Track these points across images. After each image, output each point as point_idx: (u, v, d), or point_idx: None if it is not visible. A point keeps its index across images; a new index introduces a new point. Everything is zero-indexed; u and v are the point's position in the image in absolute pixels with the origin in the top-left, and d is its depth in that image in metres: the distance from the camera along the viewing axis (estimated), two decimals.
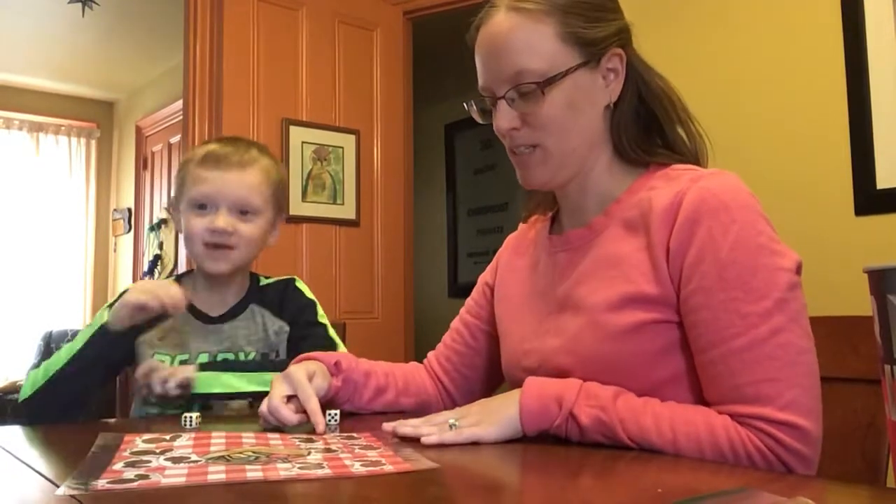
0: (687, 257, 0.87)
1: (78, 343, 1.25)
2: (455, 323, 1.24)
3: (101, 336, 1.24)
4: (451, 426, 0.86)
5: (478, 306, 1.21)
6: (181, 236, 1.39)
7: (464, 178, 4.77)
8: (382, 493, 0.67)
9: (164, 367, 1.24)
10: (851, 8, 2.06)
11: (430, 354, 1.27)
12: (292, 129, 2.99)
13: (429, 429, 0.87)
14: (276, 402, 0.95)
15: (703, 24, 2.38)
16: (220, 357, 1.33)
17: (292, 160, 2.97)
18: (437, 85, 4.57)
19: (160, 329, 1.34)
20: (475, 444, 0.85)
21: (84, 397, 1.27)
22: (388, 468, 0.73)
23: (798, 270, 0.86)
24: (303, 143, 3.02)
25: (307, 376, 0.99)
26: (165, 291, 1.22)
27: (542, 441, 0.88)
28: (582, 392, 0.86)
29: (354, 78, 3.18)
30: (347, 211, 3.12)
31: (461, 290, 4.69)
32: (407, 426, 0.89)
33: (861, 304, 0.68)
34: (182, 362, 1.32)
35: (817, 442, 0.82)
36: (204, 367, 1.26)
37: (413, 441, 0.86)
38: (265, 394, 1.00)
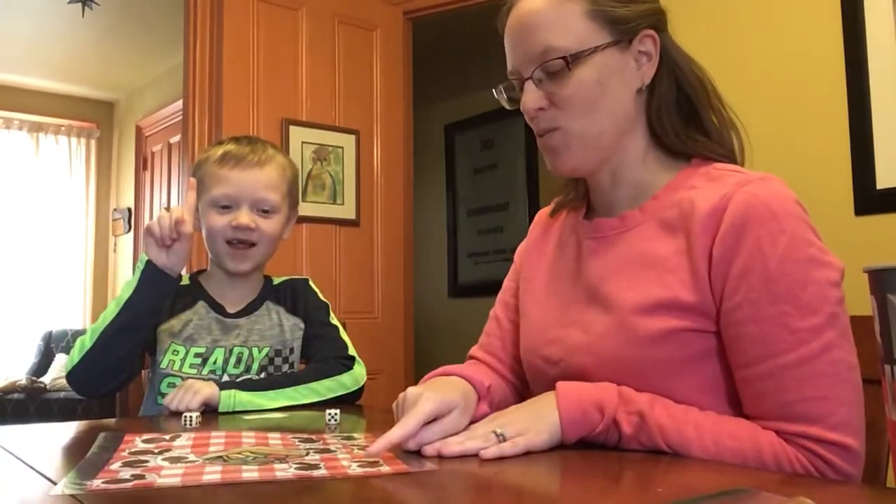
0: (732, 268, 0.84)
1: (126, 292, 1.26)
2: (500, 312, 1.15)
3: (149, 272, 1.25)
4: (498, 437, 0.81)
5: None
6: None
7: (464, 178, 4.77)
8: (380, 494, 0.67)
9: (187, 387, 1.22)
10: (851, 8, 2.06)
11: (482, 354, 1.14)
12: (292, 129, 2.99)
13: (476, 443, 0.80)
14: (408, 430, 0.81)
15: (701, 23, 2.38)
16: (234, 351, 1.35)
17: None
18: (437, 85, 4.56)
19: (178, 321, 1.36)
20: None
21: (130, 356, 1.28)
22: (385, 469, 0.73)
23: (842, 279, 0.84)
24: (303, 143, 3.02)
25: (444, 408, 0.84)
26: (165, 213, 1.26)
27: None
28: (620, 398, 0.84)
29: (354, 78, 3.18)
30: (347, 211, 3.12)
31: (461, 291, 4.69)
32: (452, 446, 0.80)
33: (861, 304, 0.68)
34: (198, 355, 1.35)
35: (862, 460, 0.81)
36: (224, 387, 1.25)
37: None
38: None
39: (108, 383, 1.28)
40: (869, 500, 0.71)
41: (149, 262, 1.25)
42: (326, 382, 1.33)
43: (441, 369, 0.97)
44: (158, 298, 1.28)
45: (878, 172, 2.01)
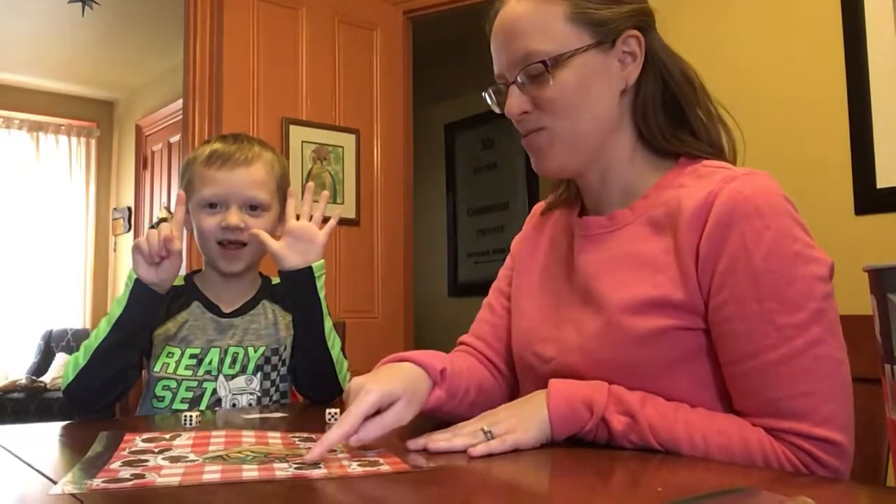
0: (718, 265, 0.84)
1: (116, 310, 1.26)
2: (494, 299, 1.14)
3: (139, 289, 1.24)
4: (486, 434, 0.82)
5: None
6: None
7: (464, 178, 4.77)
8: (380, 493, 0.67)
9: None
10: (851, 8, 2.06)
11: (471, 339, 1.14)
12: (292, 128, 2.99)
13: (464, 440, 0.81)
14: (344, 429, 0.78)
15: (701, 23, 2.38)
16: (230, 351, 1.35)
17: (292, 160, 2.97)
18: (436, 84, 4.56)
19: (174, 323, 1.36)
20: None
21: (125, 371, 1.28)
22: (385, 468, 0.73)
23: (831, 274, 0.84)
24: (303, 142, 3.02)
25: (386, 400, 0.82)
26: (154, 231, 1.24)
27: None
28: (611, 396, 0.84)
29: (354, 77, 3.18)
30: (347, 211, 3.12)
31: (461, 290, 4.69)
32: (439, 441, 0.82)
33: (861, 303, 0.68)
34: (193, 356, 1.35)
35: (851, 456, 0.81)
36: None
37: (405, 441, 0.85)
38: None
39: (104, 398, 1.28)
40: (869, 500, 0.71)
41: (138, 280, 1.24)
42: (343, 360, 1.38)
43: (395, 355, 0.94)
44: (149, 314, 1.28)
45: (878, 172, 2.01)
